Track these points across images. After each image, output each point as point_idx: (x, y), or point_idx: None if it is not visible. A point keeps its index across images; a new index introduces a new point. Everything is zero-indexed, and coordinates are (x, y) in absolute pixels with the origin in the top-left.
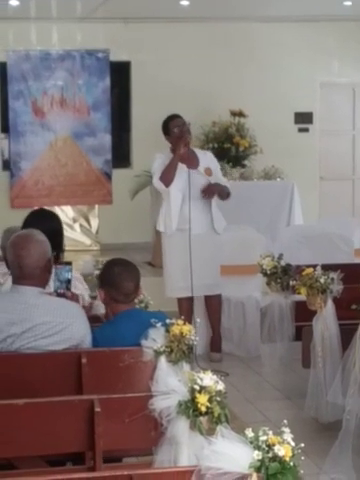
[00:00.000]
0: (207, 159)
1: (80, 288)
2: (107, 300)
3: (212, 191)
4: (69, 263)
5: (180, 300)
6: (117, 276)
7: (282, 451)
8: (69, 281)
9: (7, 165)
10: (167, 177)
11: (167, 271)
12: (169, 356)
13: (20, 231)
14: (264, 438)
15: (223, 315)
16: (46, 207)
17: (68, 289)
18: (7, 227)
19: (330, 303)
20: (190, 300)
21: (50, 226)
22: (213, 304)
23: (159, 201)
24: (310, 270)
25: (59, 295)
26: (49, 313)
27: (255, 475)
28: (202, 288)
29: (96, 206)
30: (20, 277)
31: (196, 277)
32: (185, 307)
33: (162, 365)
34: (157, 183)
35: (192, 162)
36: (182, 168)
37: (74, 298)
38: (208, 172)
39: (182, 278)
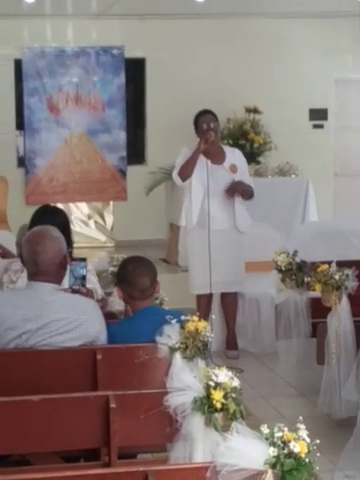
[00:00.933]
0: (235, 157)
1: (93, 281)
2: (125, 297)
3: (234, 190)
4: (84, 259)
5: (199, 297)
6: (131, 273)
7: (297, 447)
8: (84, 277)
9: (22, 162)
10: (185, 172)
11: (190, 267)
12: (184, 353)
13: (35, 227)
14: (279, 434)
15: (238, 312)
16: (60, 204)
17: (83, 285)
18: (23, 224)
19: (345, 300)
20: (209, 297)
21: (57, 222)
22: (229, 302)
23: (174, 197)
24: (325, 267)
25: (74, 291)
26: (64, 310)
27: (270, 471)
28: (221, 285)
29: (111, 203)
30: (35, 273)
31: (215, 273)
32: (203, 304)
33: (177, 361)
34: (175, 177)
35: (218, 158)
36: (204, 163)
37: (89, 294)
38: (233, 169)
39: (202, 275)
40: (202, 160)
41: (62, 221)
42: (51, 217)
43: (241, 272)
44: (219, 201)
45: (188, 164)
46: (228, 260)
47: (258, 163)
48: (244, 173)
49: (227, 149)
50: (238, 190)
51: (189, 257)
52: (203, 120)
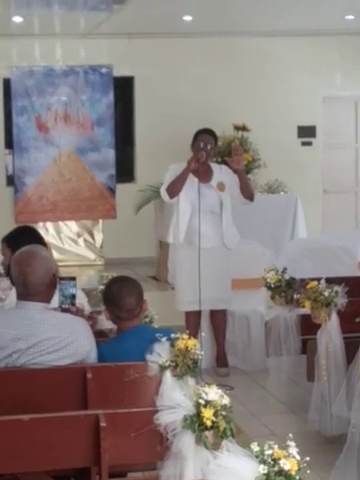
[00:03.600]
0: (222, 174)
1: (80, 297)
2: (113, 318)
3: (239, 161)
4: (73, 278)
5: (188, 314)
6: (116, 294)
7: (288, 465)
8: (73, 296)
9: (11, 181)
10: (173, 189)
11: (176, 284)
12: (174, 371)
13: (23, 248)
14: (269, 452)
15: (227, 329)
16: (50, 222)
17: (73, 304)
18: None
19: (334, 316)
20: (197, 314)
21: (32, 241)
22: (218, 319)
23: (163, 215)
24: (314, 283)
25: (64, 310)
26: (54, 328)
27: None
28: (209, 302)
29: (100, 221)
30: (25, 294)
31: (204, 291)
32: (192, 321)
33: (167, 380)
34: (163, 193)
35: (205, 176)
36: (194, 181)
37: (79, 313)
38: (220, 187)
39: (190, 292)
40: (191, 178)
41: (37, 240)
42: (26, 238)
43: (228, 290)
44: (207, 219)
45: (177, 181)
46: (215, 278)
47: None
48: (233, 188)
49: (214, 167)
50: (241, 162)
51: (176, 274)
52: (201, 139)
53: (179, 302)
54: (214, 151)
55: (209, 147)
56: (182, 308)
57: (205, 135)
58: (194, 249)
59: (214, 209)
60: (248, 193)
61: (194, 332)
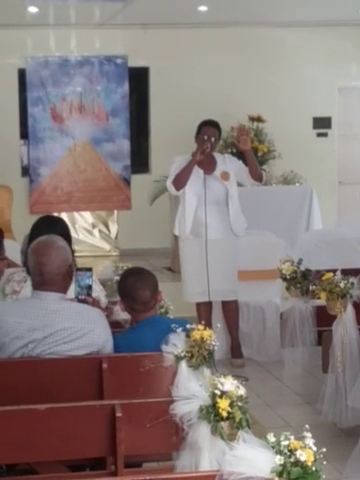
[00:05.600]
0: (226, 163)
1: (96, 290)
2: (128, 310)
3: (246, 141)
4: (89, 269)
5: (198, 305)
6: (131, 287)
7: (304, 456)
8: (90, 287)
9: (26, 171)
10: (179, 181)
11: (183, 276)
12: (190, 361)
13: (41, 237)
14: (286, 443)
15: (242, 320)
16: (65, 213)
17: (89, 295)
18: (27, 233)
19: (350, 308)
20: (208, 305)
21: (57, 231)
22: (230, 310)
23: (177, 206)
24: (330, 275)
25: (80, 301)
26: (70, 319)
27: None
28: (218, 293)
29: (115, 212)
30: (41, 283)
31: (213, 282)
32: (203, 312)
33: (183, 370)
34: (169, 186)
35: (209, 167)
36: (199, 173)
37: (95, 304)
38: (224, 176)
39: (198, 283)
40: (196, 170)
41: (62, 231)
42: (50, 227)
43: (235, 280)
44: (213, 210)
45: (183, 173)
46: (222, 269)
47: (263, 171)
48: (240, 172)
49: (218, 157)
50: (248, 142)
51: (182, 266)
52: (205, 131)
53: (186, 294)
54: (218, 143)
55: (213, 140)
56: (190, 299)
57: (208, 128)
58: (201, 241)
59: (220, 199)
60: (257, 174)
61: (207, 323)
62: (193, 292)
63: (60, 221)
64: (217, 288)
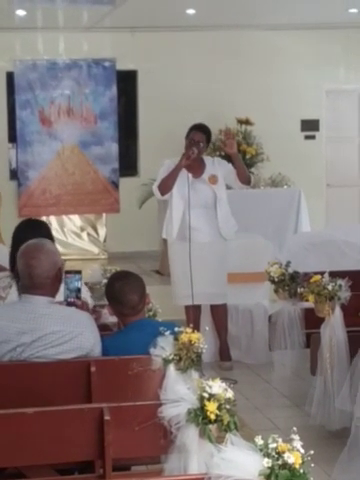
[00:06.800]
0: (214, 166)
1: (83, 291)
2: (116, 314)
3: (232, 145)
4: (79, 272)
5: (187, 308)
6: (119, 291)
7: (292, 458)
8: (79, 290)
9: (14, 174)
10: (165, 186)
11: (172, 279)
12: (178, 364)
13: (30, 241)
14: (274, 445)
15: (231, 323)
16: (53, 216)
17: (78, 298)
18: None
19: (338, 310)
20: (196, 308)
21: (40, 235)
22: (218, 313)
23: (166, 209)
24: (318, 277)
25: (69, 304)
26: (59, 322)
27: None
28: (205, 297)
29: (103, 215)
30: (30, 287)
31: (199, 286)
32: (192, 315)
33: (171, 373)
34: (155, 190)
35: (198, 170)
36: (185, 176)
37: (84, 307)
38: (212, 180)
39: (186, 286)
40: (183, 173)
41: (44, 234)
42: (34, 230)
43: (224, 284)
44: (201, 214)
45: (168, 179)
46: (210, 272)
47: (250, 174)
48: (228, 175)
49: (207, 160)
50: (234, 146)
51: (171, 269)
52: (193, 136)
53: (175, 296)
54: (206, 147)
55: (201, 145)
56: (178, 302)
57: (197, 133)
58: (187, 244)
59: (208, 203)
60: (245, 176)
61: (195, 326)
62: (180, 295)
63: (43, 224)
64: (202, 291)
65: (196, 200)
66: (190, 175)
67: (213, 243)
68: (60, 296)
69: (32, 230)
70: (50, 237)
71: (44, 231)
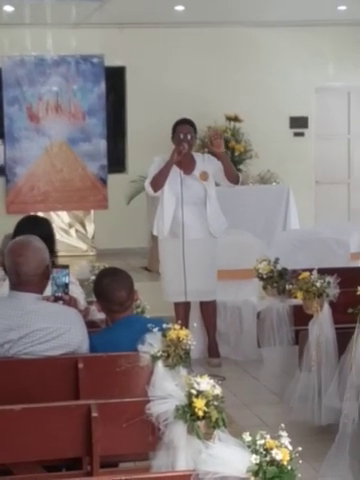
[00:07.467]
0: (205, 163)
1: (76, 292)
2: (104, 310)
3: (219, 144)
4: (66, 267)
5: (176, 305)
6: (107, 288)
7: (280, 455)
8: (66, 285)
9: (2, 171)
10: (157, 182)
11: (162, 275)
12: (166, 361)
13: (18, 238)
14: (261, 442)
15: (219, 319)
16: (41, 213)
17: (66, 293)
18: (7, 233)
19: (326, 307)
20: (186, 305)
21: (41, 232)
22: (208, 310)
23: (155, 206)
24: (306, 274)
25: (56, 298)
26: (47, 319)
27: (253, 479)
28: (196, 293)
29: (92, 211)
30: (18, 284)
31: (190, 282)
32: (181, 312)
33: (159, 370)
34: (147, 187)
35: (188, 167)
36: (177, 173)
37: (72, 302)
38: (203, 176)
39: (176, 283)
40: (175, 170)
41: (46, 231)
42: (34, 227)
43: (214, 281)
44: (192, 210)
45: (160, 175)
46: (201, 270)
47: (239, 171)
48: (217, 173)
49: (198, 157)
50: (221, 147)
51: (161, 266)
52: (180, 130)
53: (165, 293)
54: (195, 140)
55: (189, 137)
56: (168, 299)
57: (183, 126)
58: (179, 241)
59: (199, 200)
60: (232, 176)
61: (184, 323)
62: (171, 292)
63: (44, 221)
64: (195, 288)
65: (188, 197)
66: (181, 172)
67: (204, 240)
68: (47, 291)
69: (33, 227)
70: (51, 234)
71: (45, 228)
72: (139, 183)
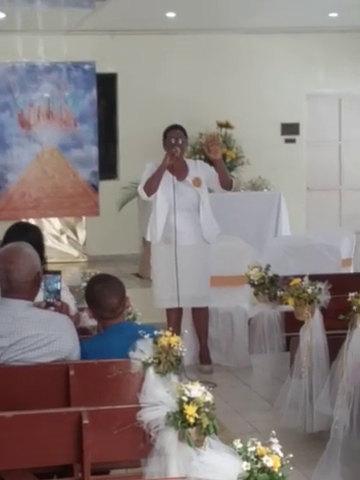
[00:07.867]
0: (197, 169)
1: (66, 298)
2: (96, 317)
3: (216, 151)
4: (58, 272)
5: (168, 311)
6: (98, 294)
7: (271, 462)
8: (58, 291)
9: None
10: (150, 186)
11: (154, 281)
12: (157, 367)
13: (9, 245)
14: (253, 449)
15: (211, 326)
16: (33, 219)
17: (57, 299)
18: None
19: (317, 313)
20: (178, 311)
21: (31, 238)
22: (199, 316)
23: (146, 212)
24: (297, 281)
25: (48, 304)
26: (37, 326)
27: None
28: (189, 300)
29: (83, 218)
30: (9, 291)
31: (183, 289)
32: (173, 318)
33: (150, 377)
34: (140, 191)
35: (181, 173)
36: (170, 179)
37: (63, 308)
38: (196, 182)
39: (169, 289)
40: (167, 176)
41: (35, 237)
42: (24, 234)
43: (207, 287)
44: (185, 216)
45: (154, 179)
46: (194, 276)
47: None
48: (211, 179)
49: (190, 163)
50: (218, 153)
51: (153, 272)
52: (171, 135)
53: (157, 299)
54: (186, 145)
55: (180, 141)
56: (160, 305)
57: (174, 131)
58: (172, 247)
59: (192, 206)
60: (226, 182)
61: (176, 329)
62: (163, 298)
63: (34, 228)
64: (187, 295)
65: (181, 203)
66: (174, 178)
67: (197, 246)
68: (39, 297)
69: (22, 233)
70: (40, 241)
71: (34, 235)
72: (131, 190)
